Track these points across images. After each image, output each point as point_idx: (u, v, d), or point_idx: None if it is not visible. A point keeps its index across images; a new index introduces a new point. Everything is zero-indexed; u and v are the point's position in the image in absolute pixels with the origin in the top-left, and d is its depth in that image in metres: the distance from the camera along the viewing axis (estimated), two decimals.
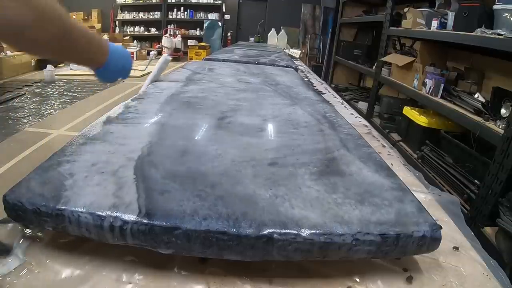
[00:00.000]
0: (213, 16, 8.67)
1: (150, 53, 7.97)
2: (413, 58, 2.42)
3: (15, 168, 2.29)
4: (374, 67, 3.07)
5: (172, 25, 8.51)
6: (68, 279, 0.34)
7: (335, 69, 4.52)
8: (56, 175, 0.39)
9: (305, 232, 0.34)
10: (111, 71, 0.63)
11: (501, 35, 1.48)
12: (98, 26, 8.41)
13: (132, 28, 8.95)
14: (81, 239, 0.36)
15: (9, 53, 4.52)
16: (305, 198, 0.39)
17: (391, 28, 2.77)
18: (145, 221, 0.33)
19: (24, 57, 4.76)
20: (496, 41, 1.50)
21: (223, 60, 1.58)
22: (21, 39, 0.43)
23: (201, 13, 8.81)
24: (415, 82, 2.31)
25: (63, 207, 0.34)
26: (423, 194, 0.59)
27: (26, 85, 4.12)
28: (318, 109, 0.80)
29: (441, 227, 0.38)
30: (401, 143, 2.42)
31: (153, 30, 9.01)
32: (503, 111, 1.53)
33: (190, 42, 8.08)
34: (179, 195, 0.38)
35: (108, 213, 0.34)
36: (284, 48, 3.43)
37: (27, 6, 0.41)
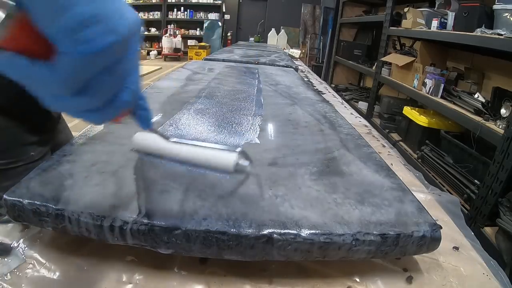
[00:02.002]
0: (213, 16, 8.67)
1: (150, 53, 7.99)
2: (413, 58, 2.42)
3: None
4: (374, 67, 3.07)
5: (172, 25, 8.51)
6: (68, 279, 0.34)
7: (335, 69, 4.52)
8: (56, 175, 0.39)
9: (305, 232, 0.34)
10: None
11: (501, 35, 1.48)
12: None
13: None
14: (81, 239, 0.36)
15: None
16: (305, 198, 0.39)
17: (391, 28, 2.77)
18: (145, 221, 0.33)
19: None
20: (496, 41, 1.50)
21: (223, 60, 1.58)
22: None
23: (201, 13, 8.81)
24: (415, 82, 2.31)
25: (63, 207, 0.34)
26: (423, 194, 0.59)
27: None
28: (318, 109, 0.80)
29: (441, 227, 0.38)
30: (401, 143, 2.42)
31: (153, 30, 9.01)
32: (503, 111, 1.53)
33: (190, 42, 8.08)
34: (179, 195, 0.38)
35: (108, 213, 0.34)
36: (284, 48, 3.44)
37: None
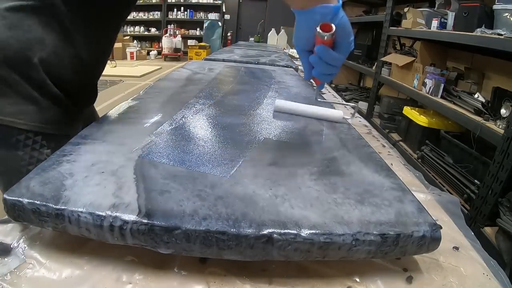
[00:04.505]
0: (213, 16, 8.67)
1: (150, 53, 7.99)
2: (413, 58, 2.42)
3: None
4: (374, 67, 3.07)
5: (172, 25, 8.51)
6: (68, 279, 0.34)
7: None
8: (56, 175, 0.39)
9: (305, 232, 0.34)
10: (343, 24, 0.51)
11: (501, 35, 1.48)
12: None
13: (132, 28, 8.95)
14: (81, 239, 0.36)
15: None
16: (305, 198, 0.39)
17: (391, 28, 2.77)
18: (145, 221, 0.33)
19: None
20: (496, 41, 1.50)
21: (223, 60, 1.58)
22: None
23: (201, 13, 8.81)
24: (415, 82, 2.31)
25: (63, 207, 0.34)
26: (423, 194, 0.59)
27: None
28: None
29: (441, 227, 0.38)
30: (401, 143, 2.42)
31: (153, 30, 9.02)
32: (503, 111, 1.53)
33: (190, 42, 8.09)
34: (179, 195, 0.38)
35: (108, 213, 0.34)
36: (284, 48, 3.43)
37: None
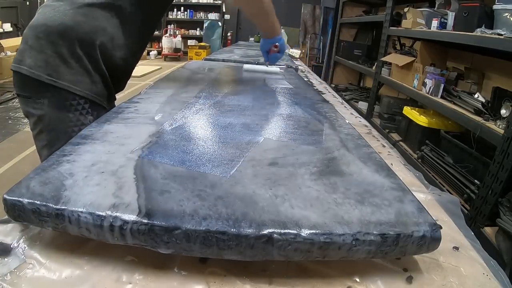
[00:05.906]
0: (213, 16, 8.66)
1: (150, 53, 7.99)
2: (413, 58, 2.42)
3: (15, 168, 2.29)
4: (374, 67, 3.07)
5: (172, 25, 8.49)
6: (68, 279, 0.34)
7: (335, 69, 4.52)
8: (56, 175, 0.39)
9: (305, 232, 0.34)
10: (282, 44, 1.12)
11: (501, 35, 1.48)
12: None
13: None
14: (81, 239, 0.36)
15: (8, 53, 4.51)
16: (305, 198, 0.39)
17: (391, 28, 2.77)
18: (145, 221, 0.33)
19: None
20: (496, 41, 1.50)
21: (223, 60, 1.58)
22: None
23: (201, 13, 8.80)
24: (415, 82, 2.31)
25: (63, 207, 0.34)
26: (423, 194, 0.59)
27: None
28: (318, 109, 0.80)
29: (441, 227, 0.38)
30: (401, 143, 2.42)
31: None
32: (503, 111, 1.53)
33: (190, 42, 8.08)
34: (179, 195, 0.38)
35: (108, 213, 0.34)
36: None
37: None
